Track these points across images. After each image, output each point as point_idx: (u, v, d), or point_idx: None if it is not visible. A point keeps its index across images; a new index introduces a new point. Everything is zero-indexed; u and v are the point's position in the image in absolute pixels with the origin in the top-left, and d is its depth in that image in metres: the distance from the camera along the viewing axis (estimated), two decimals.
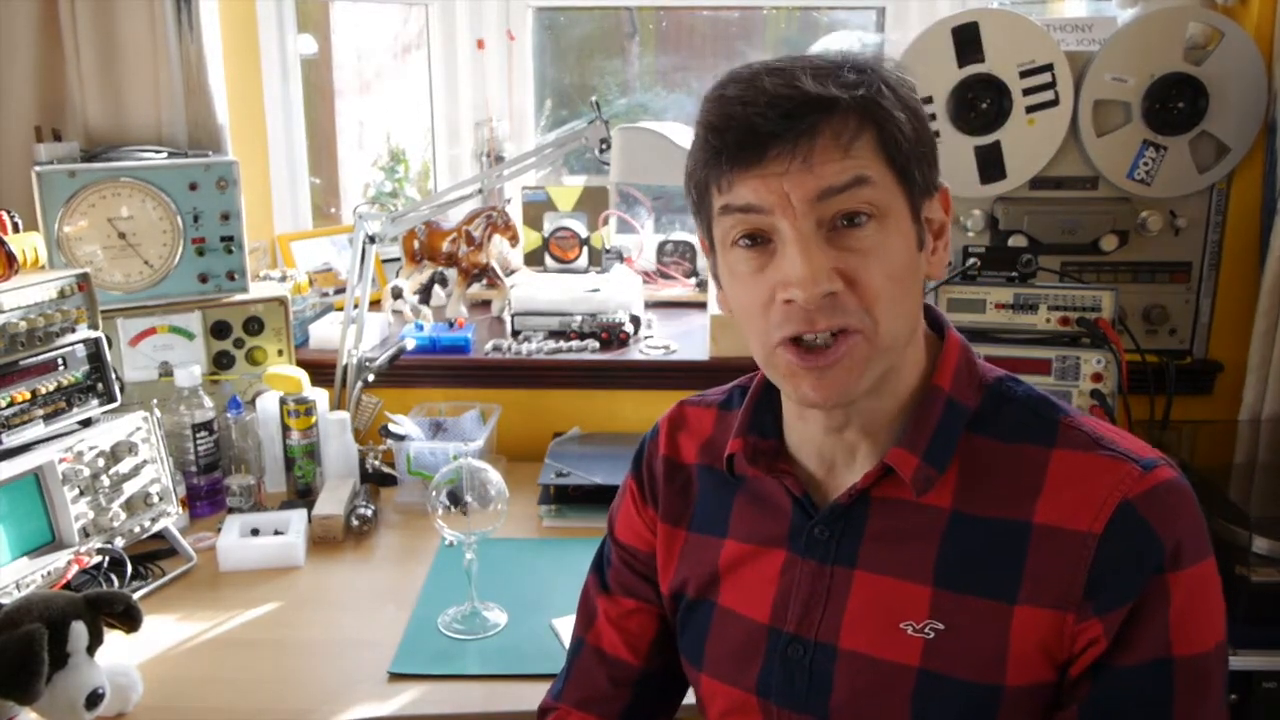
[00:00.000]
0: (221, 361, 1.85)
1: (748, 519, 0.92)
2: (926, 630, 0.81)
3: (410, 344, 1.91)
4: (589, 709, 1.02)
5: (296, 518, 1.63)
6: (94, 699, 1.13)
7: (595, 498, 1.70)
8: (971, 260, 1.69)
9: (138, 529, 1.49)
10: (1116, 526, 0.76)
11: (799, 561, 0.87)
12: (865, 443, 0.86)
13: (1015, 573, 0.78)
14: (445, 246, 2.08)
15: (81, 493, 1.42)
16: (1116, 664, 0.76)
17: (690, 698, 1.17)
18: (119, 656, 1.26)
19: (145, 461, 1.50)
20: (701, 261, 2.30)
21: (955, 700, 0.79)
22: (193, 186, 1.76)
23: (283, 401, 1.77)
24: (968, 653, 0.79)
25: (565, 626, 1.35)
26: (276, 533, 1.61)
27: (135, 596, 1.26)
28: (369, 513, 1.68)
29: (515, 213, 2.29)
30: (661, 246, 2.31)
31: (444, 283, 2.17)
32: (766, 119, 0.75)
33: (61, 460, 1.40)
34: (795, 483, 0.88)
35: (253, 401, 1.83)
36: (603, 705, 1.02)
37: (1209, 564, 0.78)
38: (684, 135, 1.77)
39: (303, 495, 1.77)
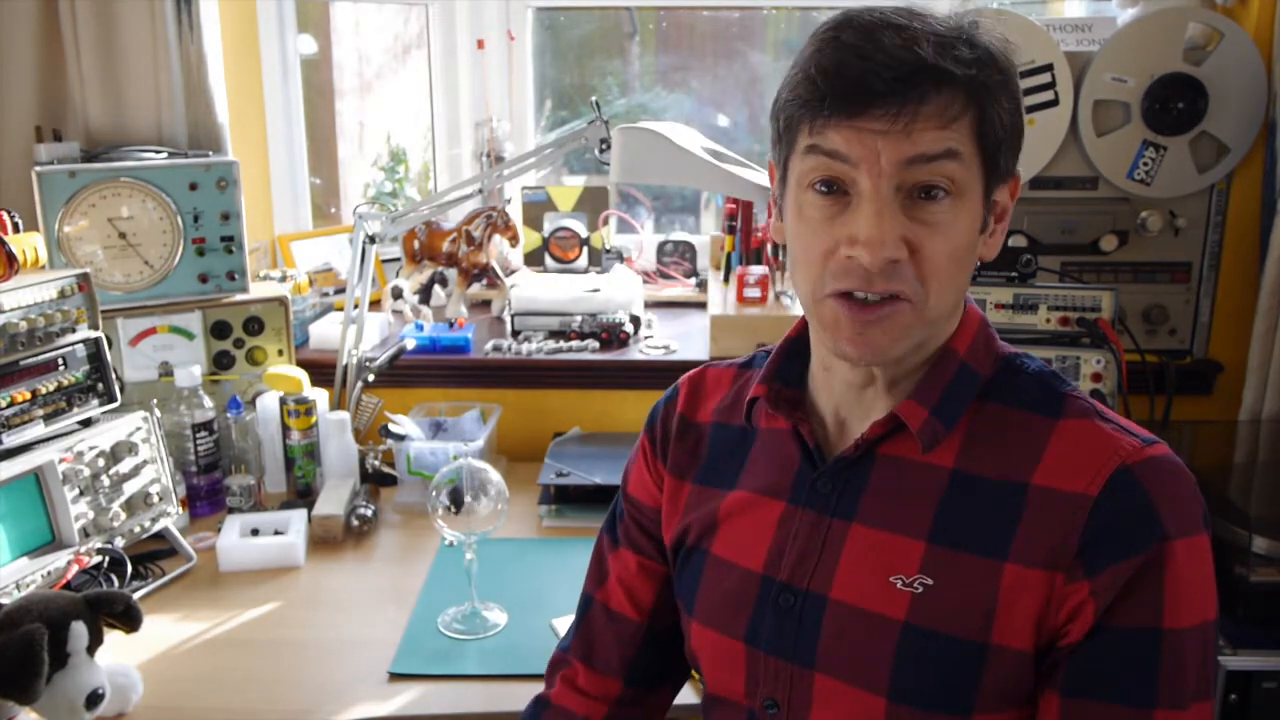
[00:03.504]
0: (221, 361, 1.85)
1: (757, 470, 0.94)
2: (915, 585, 0.81)
3: (410, 344, 1.91)
4: (596, 664, 1.04)
5: (296, 518, 1.63)
6: (94, 699, 1.13)
7: (595, 498, 1.70)
8: None
9: (138, 529, 1.49)
10: (1113, 490, 0.77)
11: (798, 512, 0.88)
12: (881, 401, 0.87)
13: (1009, 531, 0.79)
14: (445, 246, 2.08)
15: (81, 493, 1.42)
16: (1109, 625, 0.76)
17: (691, 697, 1.18)
18: (119, 656, 1.26)
19: (145, 461, 1.51)
20: (702, 262, 2.31)
21: (939, 656, 0.80)
22: (193, 186, 1.76)
23: (283, 401, 1.77)
24: (954, 608, 0.80)
25: (565, 626, 1.34)
26: (276, 533, 1.61)
27: (135, 596, 1.26)
28: (369, 513, 1.68)
29: (515, 213, 2.29)
30: (661, 246, 2.31)
31: (444, 283, 2.17)
32: (880, 78, 0.74)
33: (61, 460, 1.40)
34: (810, 432, 0.90)
35: (253, 401, 1.83)
36: (609, 661, 1.03)
37: (1204, 540, 0.79)
38: (684, 135, 1.76)
39: (303, 495, 1.77)
